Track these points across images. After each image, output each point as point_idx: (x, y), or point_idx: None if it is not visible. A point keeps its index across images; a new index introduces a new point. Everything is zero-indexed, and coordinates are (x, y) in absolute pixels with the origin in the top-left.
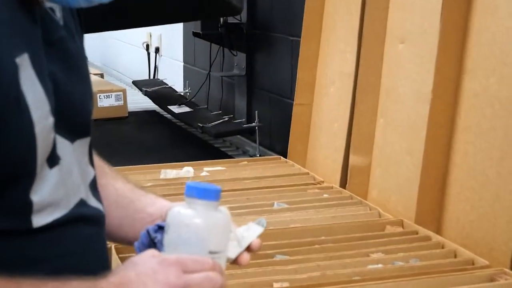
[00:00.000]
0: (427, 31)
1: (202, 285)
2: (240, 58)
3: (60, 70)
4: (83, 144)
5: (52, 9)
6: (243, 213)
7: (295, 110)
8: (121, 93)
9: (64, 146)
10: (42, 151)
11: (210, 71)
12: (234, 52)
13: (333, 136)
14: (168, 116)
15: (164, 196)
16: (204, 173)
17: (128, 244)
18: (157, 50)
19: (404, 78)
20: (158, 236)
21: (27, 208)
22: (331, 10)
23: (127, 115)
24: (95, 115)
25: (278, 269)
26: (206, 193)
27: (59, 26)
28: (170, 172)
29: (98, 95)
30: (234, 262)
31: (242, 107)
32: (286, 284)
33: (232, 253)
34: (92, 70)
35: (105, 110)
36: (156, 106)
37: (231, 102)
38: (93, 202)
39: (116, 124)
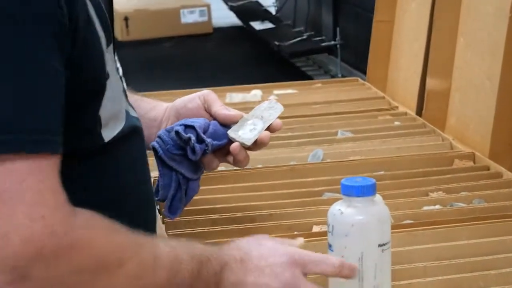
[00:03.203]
0: None
1: None
2: None
3: None
4: (111, 50)
5: None
6: (302, 142)
7: (375, 28)
8: (205, 8)
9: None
10: (106, 66)
11: None
12: None
13: (414, 57)
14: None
15: None
16: (272, 97)
17: None
18: None
19: None
20: (192, 135)
21: (97, 123)
22: None
23: (211, 31)
24: (179, 31)
25: (321, 210)
26: (364, 190)
27: None
28: (236, 95)
29: (181, 10)
30: (253, 146)
31: (329, 22)
32: (326, 228)
33: (248, 139)
34: None
35: (189, 26)
36: None
37: (318, 17)
38: (132, 111)
39: (200, 41)
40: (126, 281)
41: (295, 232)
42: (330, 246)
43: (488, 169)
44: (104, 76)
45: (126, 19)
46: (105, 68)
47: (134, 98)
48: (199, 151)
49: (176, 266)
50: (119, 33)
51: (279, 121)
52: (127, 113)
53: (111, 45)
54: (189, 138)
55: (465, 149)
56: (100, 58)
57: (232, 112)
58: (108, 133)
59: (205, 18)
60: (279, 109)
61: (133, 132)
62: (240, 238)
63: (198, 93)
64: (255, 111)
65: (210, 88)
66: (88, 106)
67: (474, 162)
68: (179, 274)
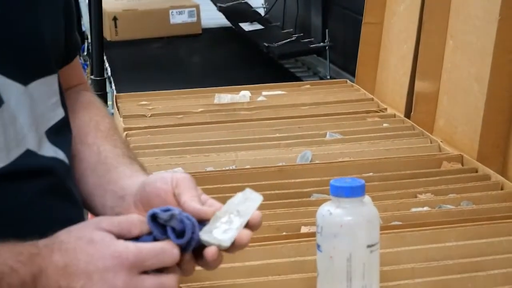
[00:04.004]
0: None
1: None
2: None
3: None
4: (45, 84)
5: None
6: (291, 143)
7: (364, 30)
8: (194, 9)
9: (9, 89)
10: None
11: None
12: None
13: (402, 59)
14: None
15: (215, 123)
16: (261, 98)
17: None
18: None
19: None
20: (174, 212)
21: None
22: None
23: (200, 32)
24: (168, 32)
25: (310, 211)
26: (353, 191)
27: None
28: (225, 96)
29: (170, 11)
30: (229, 249)
31: (318, 24)
32: (315, 229)
33: (225, 240)
34: None
35: (178, 27)
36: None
37: (307, 19)
38: (47, 151)
39: (189, 42)
40: None
41: (284, 233)
42: (318, 246)
43: (476, 171)
44: None
45: (115, 19)
46: None
47: (122, 160)
48: (190, 230)
49: None
50: (108, 33)
51: (258, 213)
52: (28, 153)
53: (45, 78)
54: (172, 215)
55: (453, 151)
56: None
57: (204, 208)
58: None
59: (194, 19)
60: (257, 199)
61: (20, 175)
62: (68, 231)
63: (174, 174)
64: (228, 206)
65: (199, 89)
66: None
67: (462, 164)
68: None
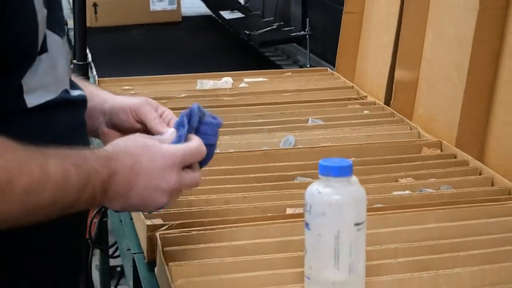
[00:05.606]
0: None
1: (188, 185)
2: None
3: None
4: (65, 41)
5: None
6: (273, 129)
7: (345, 19)
8: None
9: (53, 40)
10: (40, 39)
11: None
12: None
13: (382, 48)
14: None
15: None
16: (243, 84)
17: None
18: None
19: None
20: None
21: (19, 89)
22: None
23: (180, 19)
24: (148, 19)
25: (295, 193)
26: (341, 171)
27: None
28: (207, 82)
29: None
30: None
31: (298, 13)
32: (300, 210)
33: None
34: None
35: (158, 14)
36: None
37: (287, 8)
38: (74, 92)
39: (168, 30)
40: (17, 198)
41: (269, 214)
42: (307, 225)
43: (455, 157)
44: (35, 50)
45: (95, 5)
46: (37, 42)
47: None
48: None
49: (63, 180)
50: (88, 19)
51: None
52: (66, 91)
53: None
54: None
55: (432, 138)
56: (31, 32)
57: (166, 129)
58: (34, 100)
59: (174, 6)
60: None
61: (65, 106)
62: (123, 141)
63: (131, 103)
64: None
65: (181, 75)
66: (11, 72)
67: (442, 150)
68: (65, 186)
